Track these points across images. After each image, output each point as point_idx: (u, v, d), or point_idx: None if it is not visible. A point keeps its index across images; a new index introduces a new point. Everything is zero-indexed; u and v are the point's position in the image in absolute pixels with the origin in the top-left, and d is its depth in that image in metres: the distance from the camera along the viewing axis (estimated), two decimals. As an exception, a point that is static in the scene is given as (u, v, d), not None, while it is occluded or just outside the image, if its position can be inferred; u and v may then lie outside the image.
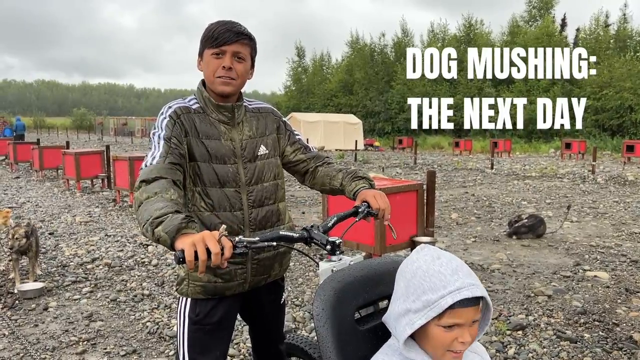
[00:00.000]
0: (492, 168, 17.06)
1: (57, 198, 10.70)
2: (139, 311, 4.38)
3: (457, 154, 26.33)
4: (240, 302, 1.90)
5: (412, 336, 1.21)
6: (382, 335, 1.28)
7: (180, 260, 1.25)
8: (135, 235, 7.17)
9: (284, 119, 2.03)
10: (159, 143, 1.69)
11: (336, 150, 28.46)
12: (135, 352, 3.63)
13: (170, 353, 3.58)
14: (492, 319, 4.04)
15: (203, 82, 1.84)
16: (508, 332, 3.80)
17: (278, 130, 1.97)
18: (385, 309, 1.29)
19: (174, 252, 1.30)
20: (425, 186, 5.54)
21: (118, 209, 9.38)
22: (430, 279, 1.17)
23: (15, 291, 4.82)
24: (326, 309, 1.23)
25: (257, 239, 1.41)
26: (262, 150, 1.86)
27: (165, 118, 1.75)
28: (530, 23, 41.41)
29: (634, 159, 20.80)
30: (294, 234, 1.50)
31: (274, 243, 1.43)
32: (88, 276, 5.36)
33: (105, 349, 3.69)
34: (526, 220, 7.05)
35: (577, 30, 41.19)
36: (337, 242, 1.47)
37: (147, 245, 6.56)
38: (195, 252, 1.26)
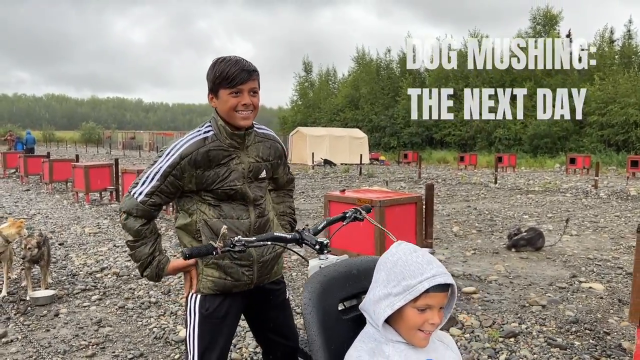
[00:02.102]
0: (495, 182, 17.16)
1: (67, 210, 10.93)
2: (146, 317, 4.56)
3: (462, 169, 26.43)
4: (245, 300, 2.09)
5: (387, 320, 1.39)
6: (363, 323, 1.45)
7: (187, 256, 1.44)
8: (143, 246, 7.35)
9: (284, 147, 2.27)
10: (154, 176, 1.93)
11: (341, 164, 28.66)
12: (142, 355, 3.80)
13: (176, 357, 3.74)
14: (486, 327, 4.18)
15: (217, 113, 2.01)
16: (500, 339, 3.93)
17: (280, 158, 2.21)
18: (367, 302, 1.47)
19: (181, 249, 1.49)
20: (424, 199, 5.71)
21: (126, 220, 9.58)
22: (409, 267, 1.37)
23: (28, 298, 5.01)
24: (312, 299, 1.41)
25: (254, 238, 1.60)
26: (263, 174, 2.08)
27: (173, 155, 1.94)
28: (535, 39, 41.69)
29: (639, 174, 20.83)
30: (287, 235, 1.69)
31: (269, 242, 1.62)
32: (97, 284, 5.54)
33: (114, 352, 3.86)
34: (525, 234, 7.19)
35: (582, 47, 41.49)
36: (325, 242, 1.66)
37: (154, 256, 6.75)
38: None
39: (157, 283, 5.49)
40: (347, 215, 1.87)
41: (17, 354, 3.82)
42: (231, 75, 1.89)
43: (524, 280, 5.67)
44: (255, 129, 2.09)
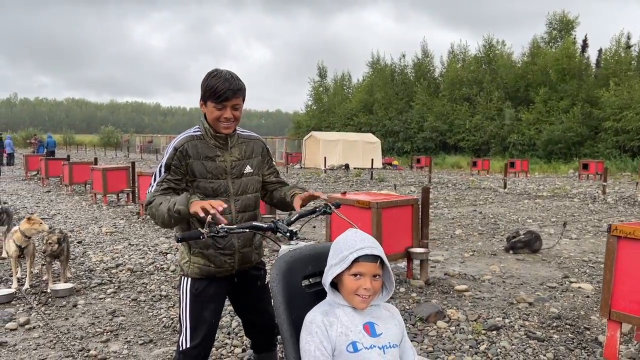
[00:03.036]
0: (505, 187, 17.29)
1: (85, 211, 11.41)
2: (157, 309, 4.91)
3: (474, 174, 26.53)
4: (228, 284, 2.43)
5: (337, 289, 1.72)
6: (323, 296, 1.77)
7: (179, 239, 1.77)
8: (156, 244, 7.75)
9: (267, 147, 2.60)
10: (159, 171, 2.32)
11: (354, 168, 28.95)
12: (152, 341, 4.15)
13: (182, 343, 4.08)
14: (472, 321, 4.46)
15: (205, 116, 2.39)
16: (483, 332, 4.21)
17: (262, 154, 2.53)
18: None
19: (175, 234, 1.82)
20: (420, 201, 5.99)
21: (141, 221, 10.02)
22: (346, 243, 1.73)
23: (48, 290, 5.40)
24: (279, 275, 1.74)
25: (234, 226, 1.94)
26: (248, 169, 2.42)
27: (170, 149, 2.33)
28: (550, 44, 41.58)
29: (652, 179, 20.77)
30: (264, 225, 2.03)
31: (247, 230, 1.95)
32: (112, 279, 5.92)
33: (126, 338, 4.21)
34: (523, 236, 7.42)
35: (600, 51, 41.24)
36: (295, 230, 1.99)
37: (167, 254, 7.13)
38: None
39: (168, 275, 5.88)
40: (317, 209, 2.20)
41: (39, 339, 4.20)
42: (218, 92, 2.23)
43: (516, 280, 5.92)
44: (238, 132, 2.45)
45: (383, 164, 32.13)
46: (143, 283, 5.77)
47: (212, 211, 1.96)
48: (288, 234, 1.97)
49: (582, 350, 3.87)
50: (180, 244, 2.32)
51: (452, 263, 6.76)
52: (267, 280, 2.54)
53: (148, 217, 10.30)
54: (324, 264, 1.78)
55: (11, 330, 4.38)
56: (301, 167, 31.15)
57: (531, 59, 40.88)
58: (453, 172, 28.99)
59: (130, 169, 12.89)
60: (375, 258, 1.72)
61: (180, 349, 2.33)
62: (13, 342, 4.13)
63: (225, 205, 2.01)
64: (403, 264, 6.12)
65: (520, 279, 5.96)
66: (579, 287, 5.58)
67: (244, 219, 2.34)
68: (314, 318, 1.69)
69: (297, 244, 1.93)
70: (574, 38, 40.70)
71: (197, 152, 2.32)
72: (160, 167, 2.30)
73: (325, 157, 28.44)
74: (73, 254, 6.92)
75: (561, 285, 5.69)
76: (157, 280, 5.87)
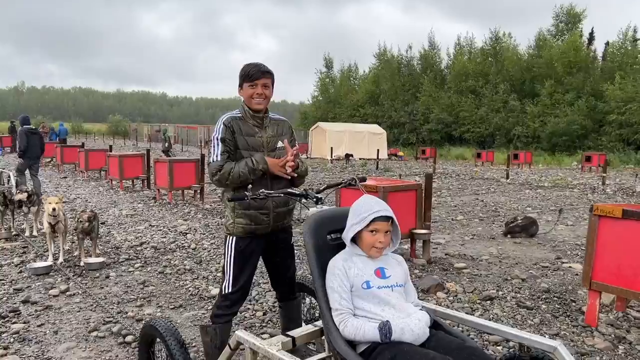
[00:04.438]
0: (507, 178, 17.70)
1: (103, 195, 11.93)
2: (182, 280, 5.41)
3: (478, 165, 26.92)
4: (265, 242, 2.93)
5: (355, 242, 2.18)
6: (343, 247, 2.24)
7: (229, 199, 2.25)
8: (175, 226, 8.25)
9: (292, 128, 3.11)
10: (217, 144, 2.82)
11: (360, 159, 29.39)
12: (181, 306, 4.65)
13: (209, 307, 4.56)
14: (468, 293, 4.93)
15: (244, 101, 2.91)
16: (478, 302, 4.68)
17: (290, 133, 3.05)
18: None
19: (228, 196, 2.33)
20: (423, 186, 6.45)
21: (158, 205, 10.52)
22: (364, 207, 2.17)
23: (82, 264, 5.91)
24: (309, 229, 2.21)
25: (272, 191, 2.43)
26: (279, 144, 2.91)
27: (220, 125, 2.83)
28: (557, 37, 41.69)
29: (654, 172, 21.09)
30: (297, 191, 2.52)
31: (282, 195, 2.44)
32: (138, 255, 6.43)
33: (158, 304, 4.71)
34: (520, 221, 7.86)
35: (606, 44, 41.32)
36: (321, 197, 2.47)
37: (186, 234, 7.63)
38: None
39: (189, 252, 6.37)
40: (344, 181, 2.71)
41: (80, 304, 4.70)
42: (251, 73, 2.81)
43: (511, 260, 6.38)
44: (270, 115, 2.97)
45: (388, 155, 32.52)
46: (167, 259, 6.26)
47: (289, 171, 2.68)
48: (315, 199, 2.45)
49: (567, 318, 4.34)
50: (225, 208, 2.83)
51: (452, 245, 7.22)
52: (292, 242, 3.04)
53: (165, 201, 10.85)
54: (344, 223, 2.24)
55: (54, 296, 4.89)
56: (307, 158, 31.61)
57: (537, 51, 41.04)
58: (457, 164, 29.36)
59: (145, 156, 13.40)
60: (387, 218, 2.17)
61: (223, 292, 2.84)
62: (58, 305, 4.64)
63: (293, 163, 2.71)
64: (407, 246, 6.59)
65: (515, 259, 6.42)
66: (570, 267, 6.03)
67: (278, 187, 2.81)
68: (337, 263, 2.16)
69: (322, 207, 2.40)
70: (581, 31, 40.85)
71: (240, 129, 2.83)
72: (215, 142, 2.78)
73: (331, 148, 28.88)
74: (99, 235, 7.42)
75: (553, 264, 6.14)
76: (180, 256, 6.37)
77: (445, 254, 6.61)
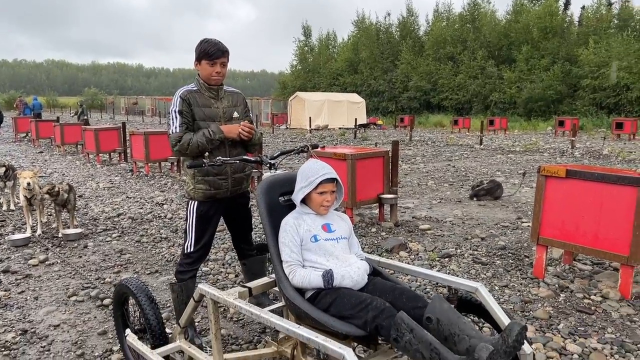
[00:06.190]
0: (481, 144, 18.09)
1: (80, 169, 11.98)
2: (159, 248, 5.63)
3: (455, 132, 27.30)
4: (224, 205, 3.15)
5: (305, 202, 2.41)
6: (293, 208, 2.48)
7: (188, 166, 2.45)
8: (152, 197, 8.42)
9: (246, 100, 3.31)
10: (175, 116, 3.01)
11: (339, 128, 29.54)
12: (157, 271, 4.89)
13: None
14: (429, 251, 5.24)
15: (199, 75, 3.10)
16: (437, 259, 5.00)
17: (244, 105, 3.27)
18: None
19: (186, 163, 2.53)
20: (390, 153, 6.70)
21: (135, 177, 10.64)
22: (311, 171, 2.39)
23: (60, 235, 6.08)
24: (262, 192, 2.43)
25: (229, 158, 2.65)
26: (235, 114, 3.12)
27: (177, 99, 3.02)
28: (534, 2, 41.75)
29: (624, 135, 21.67)
30: (251, 158, 2.73)
31: (238, 161, 2.66)
32: (115, 226, 6.61)
33: (135, 270, 4.94)
34: (486, 185, 8.20)
35: (582, 8, 41.53)
36: (274, 163, 2.69)
37: (163, 204, 7.82)
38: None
39: (165, 221, 6.58)
40: (296, 148, 2.93)
41: (59, 272, 4.90)
42: (210, 52, 2.98)
43: (474, 221, 6.71)
44: (225, 88, 3.16)
45: (368, 124, 32.67)
46: (144, 228, 6.46)
47: (246, 137, 2.94)
48: (269, 165, 2.68)
49: (518, 272, 4.67)
50: (186, 175, 3.05)
51: (420, 209, 7.53)
52: (249, 205, 3.29)
53: (142, 174, 10.98)
54: (294, 186, 2.46)
55: (34, 265, 5.08)
56: (287, 128, 31.66)
57: (514, 17, 41.11)
58: (435, 131, 29.71)
59: (121, 129, 13.41)
60: (333, 180, 2.41)
61: (186, 252, 3.09)
62: (37, 274, 4.84)
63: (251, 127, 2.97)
64: (375, 210, 6.88)
65: (478, 220, 6.76)
66: (528, 226, 6.37)
67: (233, 154, 3.01)
68: (288, 221, 2.39)
69: (275, 172, 2.62)
70: (557, -4, 40.90)
71: (196, 101, 3.03)
72: (173, 114, 2.97)
73: (310, 118, 28.94)
74: (76, 207, 7.56)
75: (513, 224, 6.49)
76: (157, 225, 6.57)
77: (413, 217, 6.91)
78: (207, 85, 3.06)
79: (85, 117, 24.80)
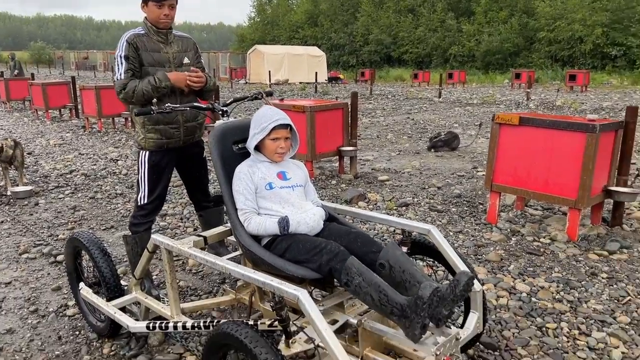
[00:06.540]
0: (439, 97, 18.24)
1: (28, 126, 11.46)
2: (114, 204, 5.50)
3: (415, 86, 27.39)
4: (177, 155, 3.07)
5: (259, 150, 2.37)
6: (248, 155, 2.43)
7: (136, 113, 2.36)
8: (106, 153, 8.16)
9: (197, 45, 3.17)
10: (121, 62, 2.86)
11: (299, 82, 29.14)
12: (113, 227, 4.78)
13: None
14: (386, 201, 5.32)
15: (146, 18, 2.95)
16: (395, 208, 5.08)
17: (195, 50, 3.13)
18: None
19: (136, 111, 2.43)
20: (350, 105, 6.66)
21: (88, 133, 10.27)
22: (264, 117, 2.34)
23: (9, 193, 5.85)
24: (215, 140, 2.37)
25: (178, 105, 2.54)
26: (186, 60, 2.99)
27: (124, 43, 2.86)
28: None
29: (577, 87, 22.23)
30: (203, 105, 2.63)
31: (189, 108, 2.57)
32: (68, 183, 6.41)
33: (90, 226, 4.82)
34: (443, 136, 8.31)
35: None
36: (227, 110, 2.61)
37: (117, 160, 7.60)
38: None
39: (120, 178, 6.42)
40: (250, 95, 2.83)
41: (9, 230, 4.74)
42: None
43: (432, 172, 6.83)
44: (174, 32, 3.02)
45: (329, 78, 32.31)
46: (98, 185, 6.29)
47: (195, 86, 2.84)
48: (221, 112, 2.59)
49: (472, 218, 4.81)
50: (136, 124, 2.93)
51: (379, 161, 7.59)
52: (204, 155, 3.22)
53: (95, 130, 10.60)
54: (247, 133, 2.41)
55: (-19, 224, 4.89)
56: (246, 83, 31.01)
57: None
58: (396, 85, 29.73)
59: (71, 84, 12.82)
60: (286, 126, 2.36)
61: (139, 203, 3.00)
62: (-14, 233, 4.66)
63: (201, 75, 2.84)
64: (336, 163, 6.89)
65: (435, 170, 6.88)
66: (483, 175, 6.53)
67: (185, 101, 2.91)
68: (242, 169, 2.35)
69: (228, 119, 2.55)
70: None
71: (144, 46, 2.88)
72: (119, 60, 2.82)
73: (270, 72, 28.38)
74: (25, 164, 7.26)
75: (468, 173, 6.64)
76: (111, 182, 6.40)
77: (372, 169, 6.97)
78: (155, 28, 2.92)
79: (17, 72, 22.90)
